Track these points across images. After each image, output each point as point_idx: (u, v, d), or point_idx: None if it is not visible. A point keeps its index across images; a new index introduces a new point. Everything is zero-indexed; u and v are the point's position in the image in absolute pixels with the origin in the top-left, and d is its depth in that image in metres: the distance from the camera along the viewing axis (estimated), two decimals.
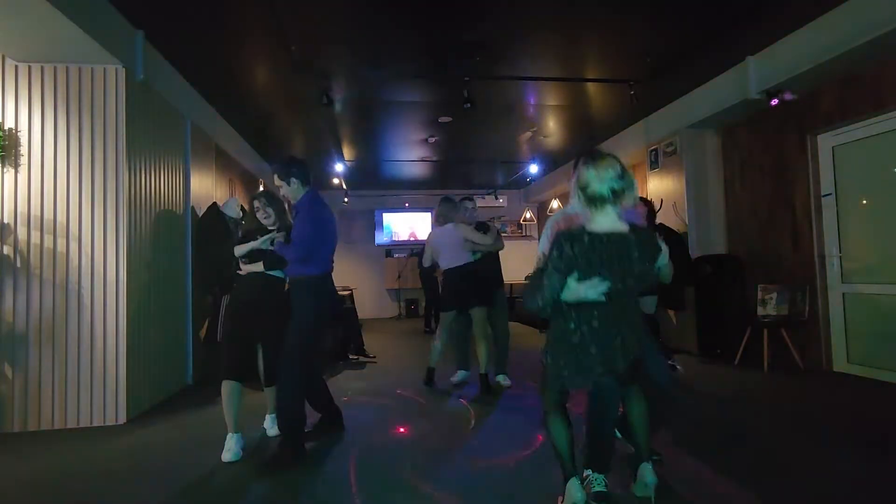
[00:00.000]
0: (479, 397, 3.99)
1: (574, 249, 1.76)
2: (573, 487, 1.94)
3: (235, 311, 3.01)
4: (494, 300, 4.41)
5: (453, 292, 4.29)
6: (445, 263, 4.32)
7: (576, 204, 1.87)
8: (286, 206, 3.17)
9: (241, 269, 3.05)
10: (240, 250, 2.98)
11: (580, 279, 1.77)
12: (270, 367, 3.03)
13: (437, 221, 4.44)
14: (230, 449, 2.78)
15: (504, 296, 4.57)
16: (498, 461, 2.67)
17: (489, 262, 4.43)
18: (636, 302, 2.03)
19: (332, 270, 3.06)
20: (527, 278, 1.97)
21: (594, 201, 1.79)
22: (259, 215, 3.06)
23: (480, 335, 4.20)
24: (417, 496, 2.30)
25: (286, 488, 2.43)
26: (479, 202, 11.27)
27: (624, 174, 1.80)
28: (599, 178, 1.77)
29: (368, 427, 3.32)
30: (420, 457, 2.78)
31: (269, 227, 3.03)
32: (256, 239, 2.96)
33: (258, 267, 3.00)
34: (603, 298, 1.79)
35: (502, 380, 4.32)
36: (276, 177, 2.98)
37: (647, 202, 3.56)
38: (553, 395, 2.03)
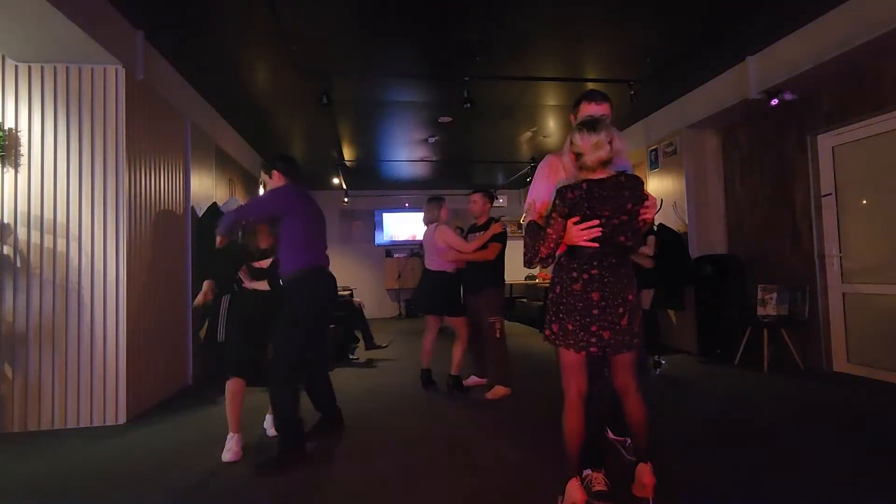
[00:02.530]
0: (481, 397, 3.99)
1: (574, 194, 1.95)
2: (573, 487, 1.94)
3: (242, 319, 2.97)
4: (477, 304, 4.14)
5: (418, 296, 4.35)
6: (426, 264, 4.32)
7: (566, 152, 2.06)
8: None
9: (244, 284, 3.01)
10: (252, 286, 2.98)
11: (578, 222, 1.95)
12: None
13: (423, 221, 4.42)
14: (230, 449, 2.78)
15: (490, 299, 4.10)
16: (499, 461, 2.67)
17: (478, 266, 4.10)
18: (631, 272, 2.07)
19: (325, 265, 3.02)
20: (524, 231, 2.09)
21: (584, 168, 2.00)
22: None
23: (457, 339, 4.20)
24: (419, 497, 2.30)
25: (286, 488, 2.43)
26: None
27: (612, 147, 1.96)
28: (591, 153, 1.96)
29: (370, 427, 3.32)
30: (422, 457, 2.78)
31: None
32: (248, 263, 2.99)
33: (263, 286, 2.97)
34: (596, 245, 1.94)
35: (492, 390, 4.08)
36: (262, 172, 3.07)
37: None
38: (573, 378, 2.02)
